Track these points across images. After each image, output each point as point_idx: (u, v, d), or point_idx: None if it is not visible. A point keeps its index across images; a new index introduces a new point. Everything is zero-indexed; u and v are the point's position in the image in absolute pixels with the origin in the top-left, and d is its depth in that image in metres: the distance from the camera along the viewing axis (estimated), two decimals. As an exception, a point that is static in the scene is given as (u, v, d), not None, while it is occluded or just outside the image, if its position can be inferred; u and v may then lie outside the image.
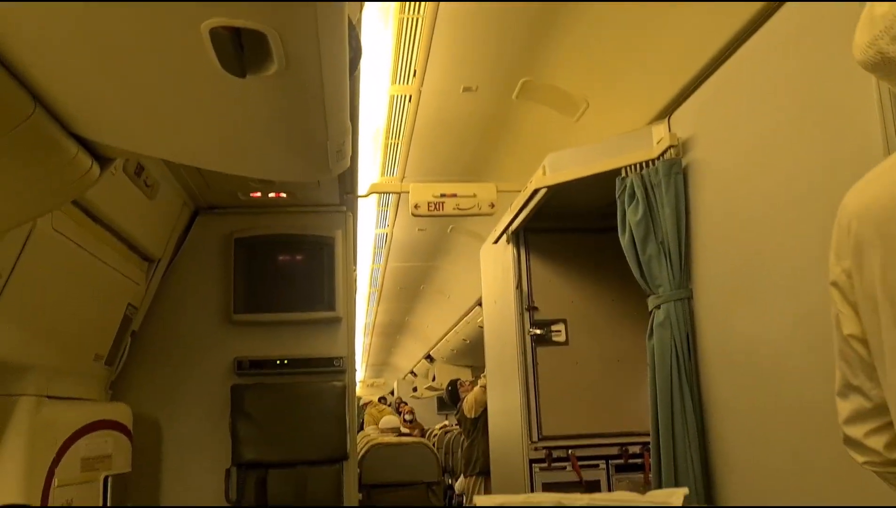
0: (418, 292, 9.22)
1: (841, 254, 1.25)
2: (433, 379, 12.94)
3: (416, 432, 9.36)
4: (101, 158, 1.83)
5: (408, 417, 9.83)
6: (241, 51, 1.15)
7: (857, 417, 1.30)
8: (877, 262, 1.17)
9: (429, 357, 12.49)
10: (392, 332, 12.98)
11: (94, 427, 3.00)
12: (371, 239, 6.29)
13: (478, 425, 6.31)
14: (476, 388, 6.44)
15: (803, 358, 2.04)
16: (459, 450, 7.43)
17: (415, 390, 15.52)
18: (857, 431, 1.30)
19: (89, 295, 2.93)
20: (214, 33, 1.07)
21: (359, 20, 1.66)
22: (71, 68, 1.37)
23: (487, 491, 6.03)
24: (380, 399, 13.08)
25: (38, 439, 2.64)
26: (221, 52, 1.12)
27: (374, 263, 7.27)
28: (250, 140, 1.46)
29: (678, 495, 0.97)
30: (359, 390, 18.70)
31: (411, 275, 8.06)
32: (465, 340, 9.29)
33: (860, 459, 1.32)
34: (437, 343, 11.06)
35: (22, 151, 1.58)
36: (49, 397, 2.76)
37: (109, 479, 3.05)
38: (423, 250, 6.87)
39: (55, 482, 2.71)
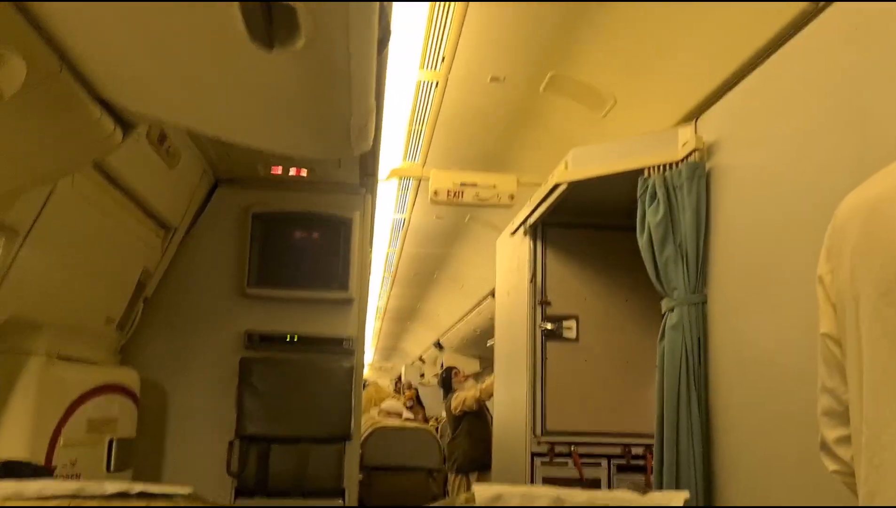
0: (432, 280, 9.21)
1: (830, 253, 1.25)
2: (441, 367, 12.95)
3: (418, 417, 9.37)
4: (125, 123, 1.84)
5: (408, 403, 9.79)
6: (270, 23, 1.15)
7: (828, 419, 1.28)
8: (848, 260, 1.18)
9: (438, 345, 12.50)
10: (403, 317, 13.00)
11: (102, 391, 3.03)
12: (389, 223, 6.29)
13: (461, 424, 6.33)
14: (471, 392, 6.42)
15: (815, 370, 2.02)
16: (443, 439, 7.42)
17: (422, 376, 15.54)
18: (828, 434, 1.28)
19: (105, 258, 2.95)
20: (245, 4, 1.07)
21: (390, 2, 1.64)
22: (100, 31, 1.37)
23: (468, 489, 6.03)
24: (396, 384, 13.09)
25: (45, 398, 2.67)
26: (251, 24, 1.12)
27: (390, 247, 7.27)
28: (275, 114, 1.46)
29: (678, 497, 0.96)
30: (367, 372, 18.83)
31: (426, 262, 8.05)
32: (475, 330, 9.29)
33: (830, 467, 1.30)
34: (447, 332, 11.07)
35: (46, 109, 1.59)
36: (59, 357, 2.79)
37: (114, 442, 3.08)
38: (439, 237, 6.86)
39: (60, 441, 2.74)
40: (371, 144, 1.67)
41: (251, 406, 3.52)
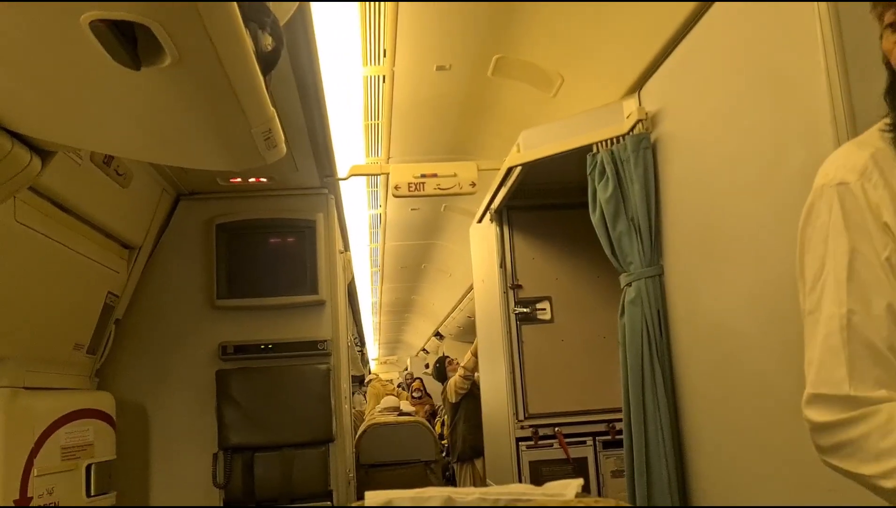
0: (420, 271, 9.20)
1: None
2: (447, 359, 12.96)
3: (426, 407, 9.37)
4: (41, 151, 1.83)
5: (416, 394, 9.81)
6: (132, 43, 1.13)
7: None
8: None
9: (438, 335, 12.52)
10: (400, 310, 13.01)
11: (75, 417, 3.03)
12: (366, 220, 6.28)
13: (458, 410, 6.31)
14: (455, 375, 6.41)
15: (761, 333, 2.01)
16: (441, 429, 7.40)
17: (427, 366, 15.59)
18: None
19: (64, 285, 2.94)
20: (95, 26, 1.05)
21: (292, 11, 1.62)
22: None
23: (473, 477, 6.05)
24: (407, 378, 13.08)
25: (14, 429, 2.66)
26: (109, 45, 1.10)
27: (371, 242, 7.26)
28: (168, 131, 1.45)
29: (573, 486, 0.95)
30: (374, 367, 18.86)
31: (411, 254, 8.04)
32: (469, 317, 9.28)
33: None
34: (444, 321, 11.07)
35: (-50, 148, 1.57)
36: (27, 387, 2.79)
37: (93, 467, 3.08)
38: (418, 229, 6.85)
39: (34, 471, 2.74)
40: (284, 149, 1.65)
41: (231, 417, 3.52)
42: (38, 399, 2.84)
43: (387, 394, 7.43)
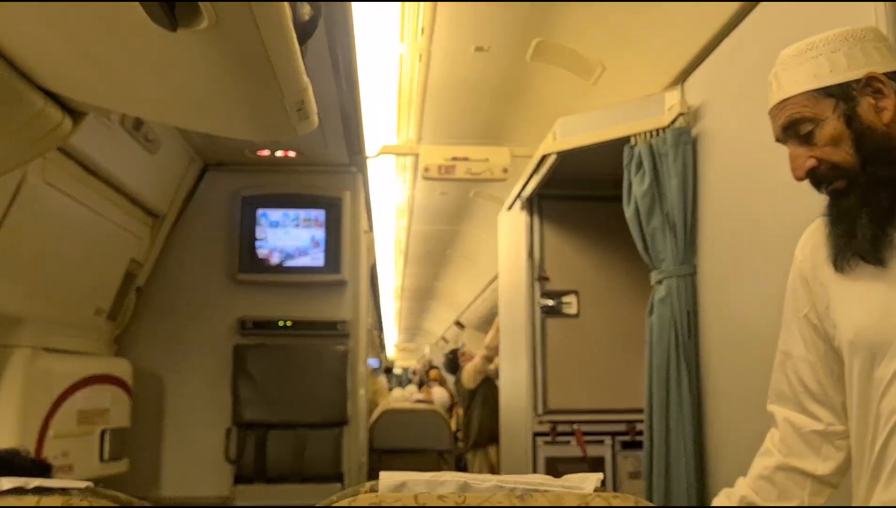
0: (445, 257, 9.14)
1: None
2: (463, 346, 12.93)
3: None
4: (73, 112, 1.80)
5: (433, 383, 9.75)
6: (170, 4, 1.09)
7: None
8: None
9: (459, 324, 12.47)
10: (422, 296, 12.97)
11: (93, 381, 3.02)
12: (393, 201, 6.23)
13: (475, 397, 6.23)
14: (476, 358, 6.34)
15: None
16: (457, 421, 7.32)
17: (445, 355, 15.59)
18: None
19: (87, 249, 2.93)
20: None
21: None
22: (20, 21, 1.32)
23: (488, 465, 6.00)
24: (427, 370, 13.06)
25: (32, 390, 2.66)
26: (147, 5, 1.06)
27: (398, 225, 7.21)
28: (201, 97, 1.41)
29: (592, 480, 0.90)
30: (392, 353, 18.89)
31: (436, 239, 7.98)
32: (491, 308, 9.22)
33: None
34: (465, 310, 11.02)
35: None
36: (46, 349, 2.78)
37: (107, 433, 3.08)
38: (445, 214, 6.78)
39: (50, 433, 2.74)
40: (316, 121, 1.61)
41: (246, 393, 3.51)
42: (58, 361, 2.84)
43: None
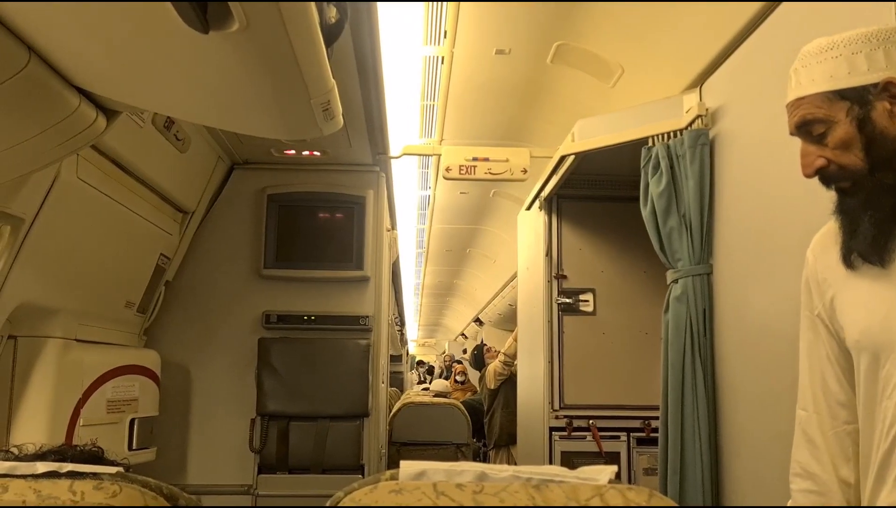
0: (465, 255, 9.20)
1: None
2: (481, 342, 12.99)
3: (467, 394, 9.37)
4: (107, 110, 1.88)
5: (459, 378, 9.76)
6: (203, 7, 1.16)
7: None
8: None
9: (478, 321, 12.52)
10: (442, 293, 13.04)
11: (122, 372, 3.11)
12: (415, 200, 6.30)
13: (497, 397, 6.31)
14: (495, 361, 6.42)
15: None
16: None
17: (465, 351, 15.64)
18: None
19: (119, 244, 3.02)
20: (174, -7, 1.08)
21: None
22: (57, 22, 1.39)
23: (508, 462, 6.06)
24: (446, 360, 13.09)
25: (64, 379, 2.75)
26: (180, 7, 1.13)
27: (419, 223, 7.29)
28: (230, 97, 1.47)
29: (607, 472, 0.95)
30: (412, 349, 18.97)
31: (456, 237, 8.05)
32: (510, 305, 9.26)
33: None
34: (484, 307, 11.07)
35: (20, 101, 1.62)
36: (77, 340, 2.88)
37: (136, 422, 3.17)
38: (466, 213, 6.85)
39: (80, 421, 2.83)
40: (341, 122, 1.67)
41: (270, 385, 3.59)
42: (89, 352, 2.92)
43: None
